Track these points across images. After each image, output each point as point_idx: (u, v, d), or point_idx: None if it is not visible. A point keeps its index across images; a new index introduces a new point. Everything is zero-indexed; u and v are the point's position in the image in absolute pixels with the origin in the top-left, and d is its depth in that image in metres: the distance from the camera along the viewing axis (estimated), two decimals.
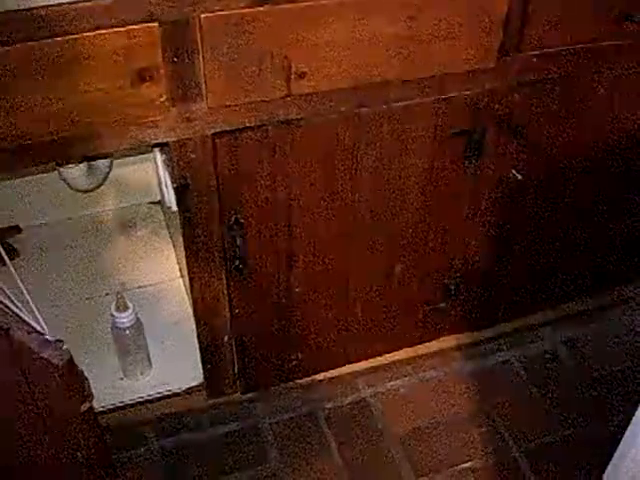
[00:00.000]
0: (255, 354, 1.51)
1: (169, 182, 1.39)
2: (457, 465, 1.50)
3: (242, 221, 1.29)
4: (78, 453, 0.97)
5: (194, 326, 1.45)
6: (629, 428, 1.11)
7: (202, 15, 1.05)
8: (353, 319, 1.55)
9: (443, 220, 1.45)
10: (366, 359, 1.66)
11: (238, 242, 1.31)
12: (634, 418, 1.09)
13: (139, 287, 1.74)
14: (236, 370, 1.54)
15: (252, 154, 1.22)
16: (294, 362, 1.57)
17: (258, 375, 1.56)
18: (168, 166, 1.38)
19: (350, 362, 1.64)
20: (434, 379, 1.65)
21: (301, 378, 1.62)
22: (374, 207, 1.37)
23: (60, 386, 0.89)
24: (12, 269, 1.11)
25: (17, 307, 1.05)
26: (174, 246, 1.81)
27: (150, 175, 1.85)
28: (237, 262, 1.34)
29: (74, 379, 0.89)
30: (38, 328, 0.97)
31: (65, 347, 0.92)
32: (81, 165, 1.60)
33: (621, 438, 1.13)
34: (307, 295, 1.46)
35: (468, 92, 1.28)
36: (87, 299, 1.70)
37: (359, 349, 1.63)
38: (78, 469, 1.02)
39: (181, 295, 1.72)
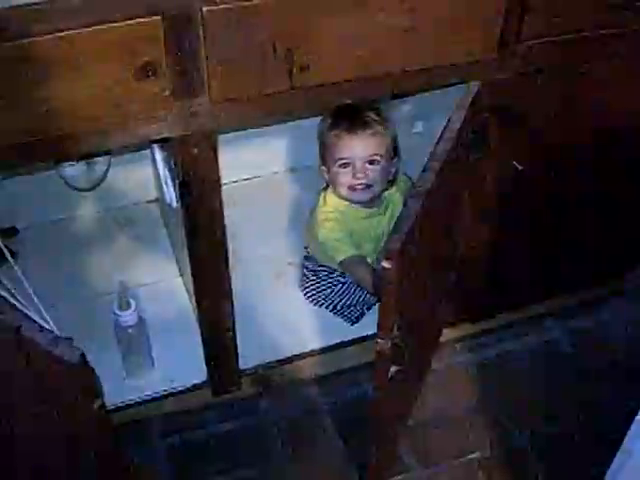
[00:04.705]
0: None
1: (169, 179, 1.38)
2: (463, 456, 1.50)
3: None
4: (91, 453, 0.96)
5: (196, 323, 1.44)
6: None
7: (204, 8, 1.04)
8: None
9: (446, 212, 1.44)
10: None
11: None
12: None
13: (138, 286, 1.72)
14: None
15: None
16: None
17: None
18: (168, 163, 1.37)
19: None
20: (436, 371, 1.65)
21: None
22: None
23: (73, 384, 0.88)
24: (19, 271, 1.10)
25: (24, 306, 1.05)
26: (172, 245, 1.79)
27: (146, 173, 1.84)
28: None
29: (87, 376, 0.88)
30: (47, 327, 0.97)
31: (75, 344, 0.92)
32: (80, 163, 1.59)
33: (623, 427, 1.11)
34: None
35: (469, 83, 1.28)
36: (86, 299, 1.68)
37: None
38: (91, 470, 1.00)
39: (181, 294, 1.70)
